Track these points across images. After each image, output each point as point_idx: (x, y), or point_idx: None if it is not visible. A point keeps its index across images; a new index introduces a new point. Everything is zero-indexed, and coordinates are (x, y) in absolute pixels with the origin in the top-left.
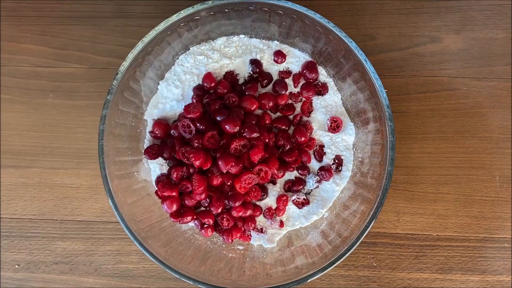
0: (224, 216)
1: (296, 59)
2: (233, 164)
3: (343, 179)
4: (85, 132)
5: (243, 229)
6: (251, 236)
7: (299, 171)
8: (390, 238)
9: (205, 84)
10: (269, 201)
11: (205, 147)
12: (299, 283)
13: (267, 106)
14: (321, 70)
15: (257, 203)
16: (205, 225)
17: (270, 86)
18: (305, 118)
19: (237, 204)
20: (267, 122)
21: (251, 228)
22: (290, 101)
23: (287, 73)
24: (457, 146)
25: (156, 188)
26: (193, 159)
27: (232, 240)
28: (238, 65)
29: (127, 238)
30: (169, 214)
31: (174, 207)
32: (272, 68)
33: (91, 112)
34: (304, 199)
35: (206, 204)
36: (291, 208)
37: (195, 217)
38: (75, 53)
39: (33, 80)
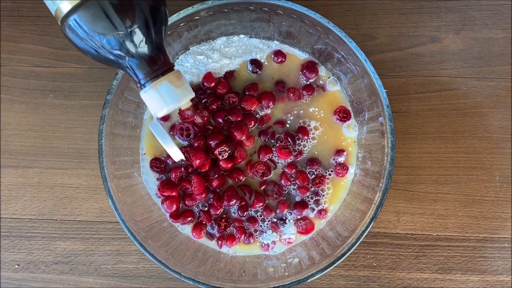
0: (223, 217)
1: (296, 59)
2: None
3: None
4: (85, 132)
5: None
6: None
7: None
8: (390, 238)
9: (205, 84)
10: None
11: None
12: (299, 283)
13: (267, 106)
14: (321, 70)
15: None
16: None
17: (270, 86)
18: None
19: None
20: (267, 122)
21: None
22: None
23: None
24: (457, 146)
25: (156, 189)
26: (193, 158)
27: (221, 246)
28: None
29: (127, 238)
30: (168, 216)
31: (174, 207)
32: (272, 68)
33: (91, 112)
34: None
35: (206, 205)
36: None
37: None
38: (75, 53)
39: (32, 80)
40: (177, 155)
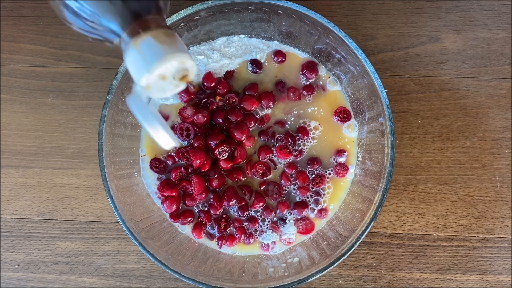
0: (223, 217)
1: (296, 59)
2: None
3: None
4: (85, 132)
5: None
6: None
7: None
8: (390, 238)
9: (205, 84)
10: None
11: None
12: (299, 283)
13: (267, 106)
14: (321, 70)
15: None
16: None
17: (270, 86)
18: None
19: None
20: (267, 122)
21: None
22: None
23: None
24: (457, 146)
25: (155, 189)
26: (193, 158)
27: (221, 246)
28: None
29: (127, 238)
30: (168, 216)
31: (174, 208)
32: (273, 68)
33: (91, 112)
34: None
35: (206, 205)
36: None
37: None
38: (74, 53)
39: (32, 80)
40: (166, 142)
